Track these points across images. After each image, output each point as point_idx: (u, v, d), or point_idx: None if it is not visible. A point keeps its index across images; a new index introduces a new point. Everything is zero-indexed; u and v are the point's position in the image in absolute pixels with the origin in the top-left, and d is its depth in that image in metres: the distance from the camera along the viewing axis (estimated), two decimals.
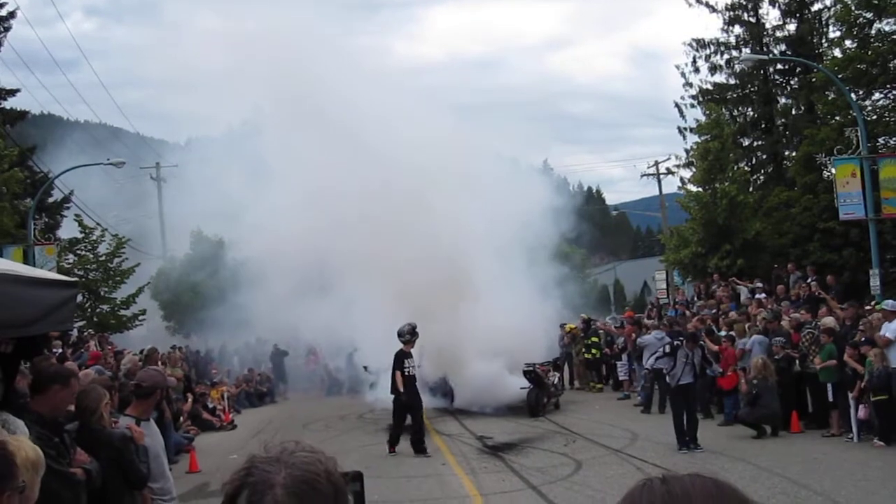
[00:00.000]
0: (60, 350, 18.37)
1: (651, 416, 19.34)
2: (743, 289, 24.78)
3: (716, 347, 18.43)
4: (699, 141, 33.00)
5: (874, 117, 26.54)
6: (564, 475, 13.06)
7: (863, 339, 14.96)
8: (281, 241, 25.07)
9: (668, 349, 16.00)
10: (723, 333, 19.23)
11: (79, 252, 30.78)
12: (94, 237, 31.37)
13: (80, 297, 25.52)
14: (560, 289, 26.65)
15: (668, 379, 15.84)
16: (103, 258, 31.12)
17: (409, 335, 16.55)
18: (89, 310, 29.86)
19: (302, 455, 1.64)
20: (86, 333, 25.42)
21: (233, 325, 32.48)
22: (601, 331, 26.64)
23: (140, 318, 32.35)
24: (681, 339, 16.29)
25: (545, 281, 25.30)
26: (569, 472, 13.27)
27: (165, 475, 6.57)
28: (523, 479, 12.94)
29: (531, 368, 20.99)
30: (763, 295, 22.84)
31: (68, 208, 32.44)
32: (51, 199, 32.19)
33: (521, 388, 21.00)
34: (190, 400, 19.63)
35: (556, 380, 22.43)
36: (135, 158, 44.25)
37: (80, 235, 31.24)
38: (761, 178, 35.88)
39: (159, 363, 17.88)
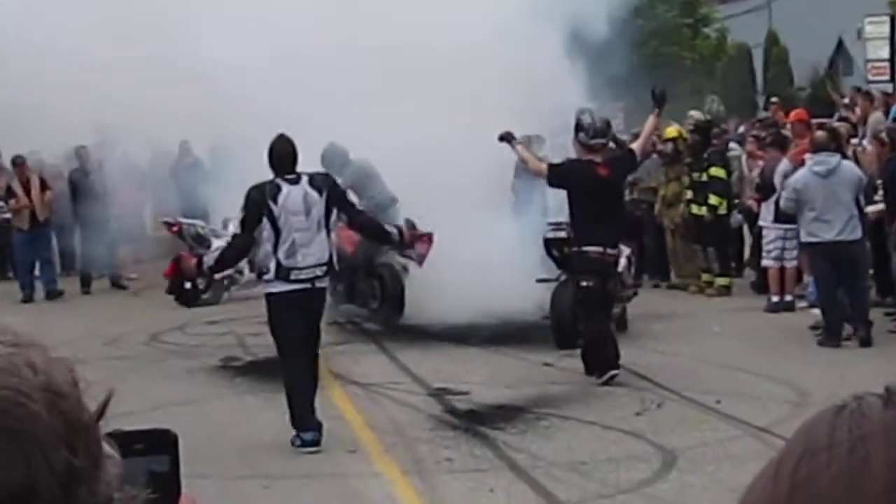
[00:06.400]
0: None
1: (845, 351, 12.00)
2: None
3: None
4: None
5: None
6: (637, 482, 7.69)
7: None
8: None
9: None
10: None
11: None
12: None
13: None
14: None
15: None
16: None
17: (602, 135, 10.96)
18: None
19: None
20: None
21: None
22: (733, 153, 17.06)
23: None
24: None
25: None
26: (648, 476, 7.80)
27: None
28: (541, 490, 7.47)
29: (562, 232, 12.13)
30: None
31: None
32: None
33: (538, 281, 13.01)
34: None
35: (625, 264, 12.57)
36: None
37: None
38: None
39: None
